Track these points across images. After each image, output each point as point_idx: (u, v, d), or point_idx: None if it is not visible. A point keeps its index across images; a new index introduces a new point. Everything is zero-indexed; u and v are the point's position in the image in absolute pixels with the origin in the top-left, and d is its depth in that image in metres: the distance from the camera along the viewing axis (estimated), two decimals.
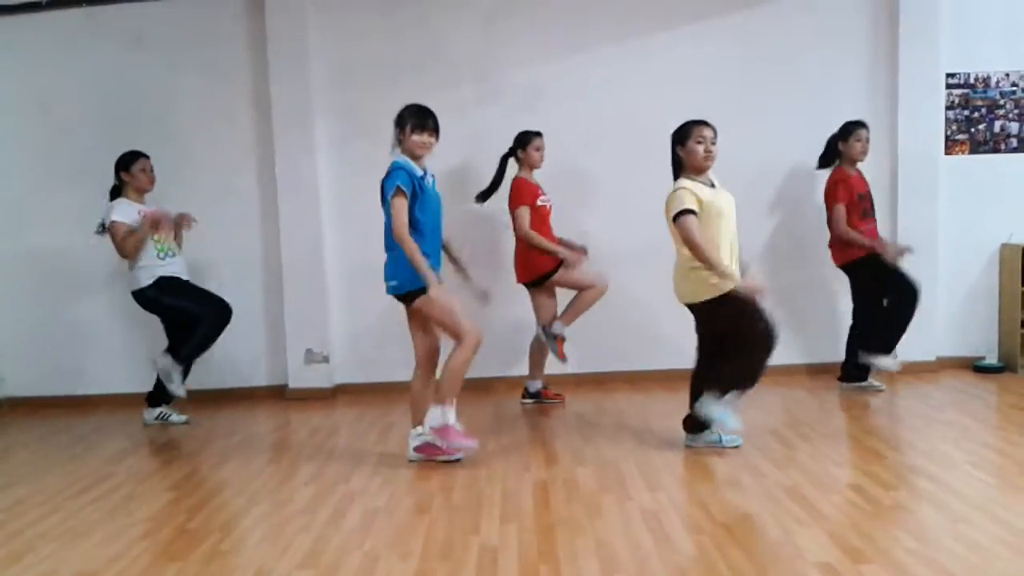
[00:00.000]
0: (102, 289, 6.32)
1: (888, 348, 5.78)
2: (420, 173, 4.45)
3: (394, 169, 4.41)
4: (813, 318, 6.44)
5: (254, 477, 4.58)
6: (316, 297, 6.42)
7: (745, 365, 4.47)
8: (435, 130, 4.49)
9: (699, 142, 4.47)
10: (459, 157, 6.17)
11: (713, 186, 4.56)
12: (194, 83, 6.39)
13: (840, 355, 6.04)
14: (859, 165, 5.83)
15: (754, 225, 5.90)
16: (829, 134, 5.83)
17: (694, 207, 4.41)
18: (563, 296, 5.75)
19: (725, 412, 4.48)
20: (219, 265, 6.42)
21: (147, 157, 5.69)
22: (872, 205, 5.83)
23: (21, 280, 6.51)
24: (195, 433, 5.63)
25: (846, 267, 5.86)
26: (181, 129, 6.35)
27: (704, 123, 4.53)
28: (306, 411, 6.08)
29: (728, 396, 4.48)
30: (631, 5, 6.34)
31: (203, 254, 6.23)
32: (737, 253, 4.55)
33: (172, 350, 5.63)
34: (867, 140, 5.76)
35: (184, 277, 5.75)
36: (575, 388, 6.20)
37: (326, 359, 6.48)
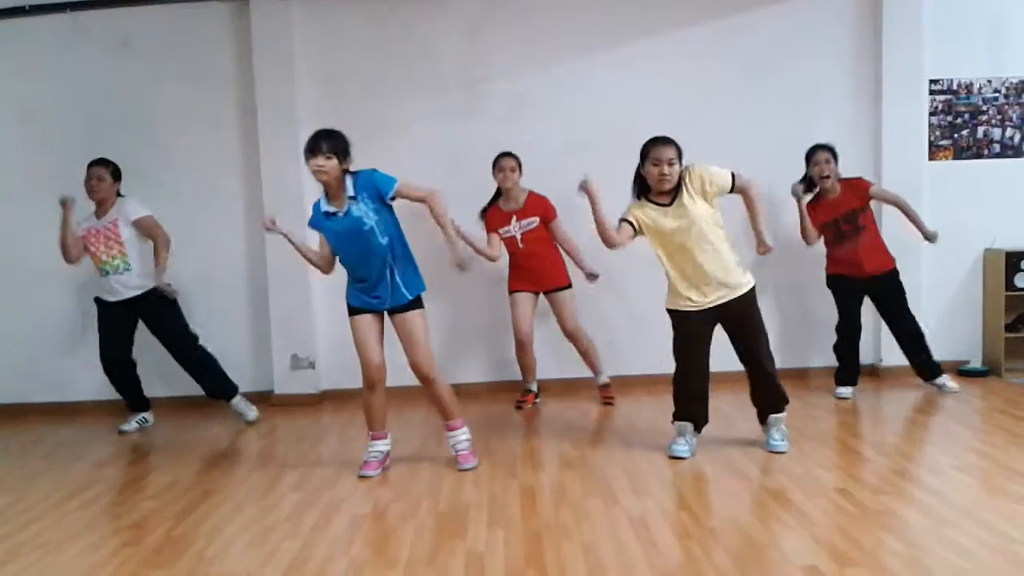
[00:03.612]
0: (82, 295, 6.26)
1: (843, 380, 5.95)
2: (324, 208, 4.41)
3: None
4: (796, 323, 6.46)
5: (239, 483, 4.56)
6: (302, 302, 6.40)
7: None
8: (327, 152, 4.25)
9: (655, 164, 4.40)
10: (444, 164, 6.18)
11: (670, 204, 4.45)
12: (179, 89, 6.35)
13: (824, 360, 6.13)
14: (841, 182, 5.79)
15: (738, 233, 5.91)
16: (811, 141, 5.85)
17: (631, 219, 4.49)
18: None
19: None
20: (204, 271, 6.40)
21: (97, 165, 5.59)
22: (850, 227, 5.71)
23: (6, 286, 6.46)
24: (180, 439, 5.60)
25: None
26: (166, 135, 6.32)
27: (662, 142, 4.43)
28: (292, 417, 6.05)
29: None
30: (615, 16, 6.35)
31: (188, 260, 6.21)
32: (707, 271, 4.46)
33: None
34: (827, 161, 5.67)
35: (114, 298, 5.64)
36: (562, 393, 6.20)
37: (312, 365, 6.46)
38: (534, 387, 6.07)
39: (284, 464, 4.89)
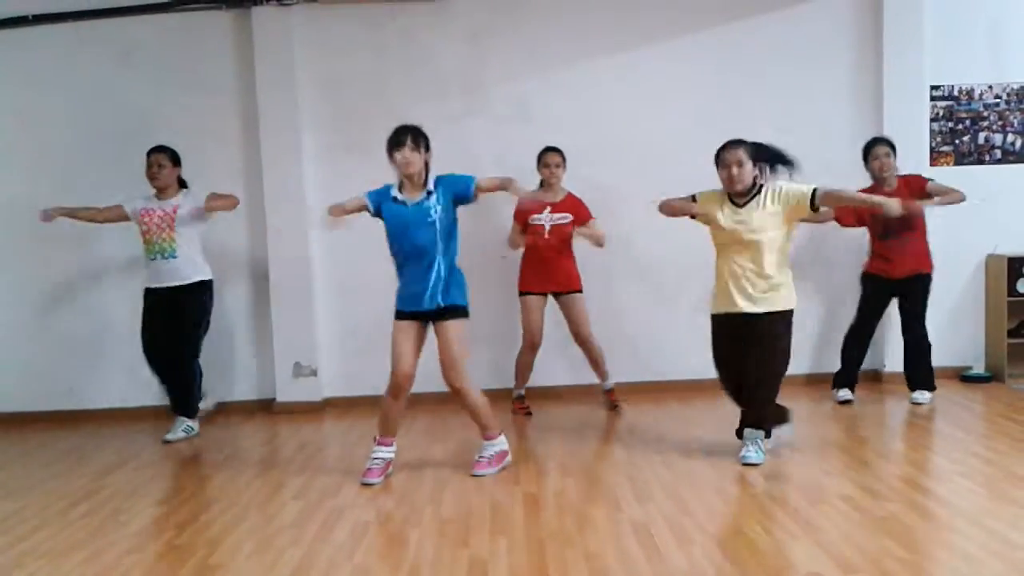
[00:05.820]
0: (92, 303, 6.27)
1: (842, 382, 5.95)
2: (393, 194, 4.53)
3: None
4: (806, 329, 6.44)
5: (242, 491, 4.56)
6: (304, 310, 6.40)
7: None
8: (413, 145, 4.49)
9: (723, 167, 4.53)
10: (446, 169, 6.16)
11: (742, 206, 4.52)
12: (182, 97, 6.35)
13: (833, 365, 6.12)
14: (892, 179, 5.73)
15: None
16: (813, 147, 5.84)
17: (699, 202, 4.61)
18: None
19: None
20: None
21: (156, 152, 5.68)
22: (900, 223, 5.33)
23: (10, 294, 6.46)
24: (183, 447, 5.60)
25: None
26: (168, 143, 6.29)
27: (730, 145, 4.55)
28: (294, 425, 6.05)
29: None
30: (616, 20, 6.36)
31: None
32: (750, 279, 4.50)
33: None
34: (886, 155, 5.67)
35: (159, 284, 5.65)
36: (565, 400, 6.19)
37: (314, 372, 6.45)
38: (523, 392, 6.07)
39: (287, 472, 4.89)
